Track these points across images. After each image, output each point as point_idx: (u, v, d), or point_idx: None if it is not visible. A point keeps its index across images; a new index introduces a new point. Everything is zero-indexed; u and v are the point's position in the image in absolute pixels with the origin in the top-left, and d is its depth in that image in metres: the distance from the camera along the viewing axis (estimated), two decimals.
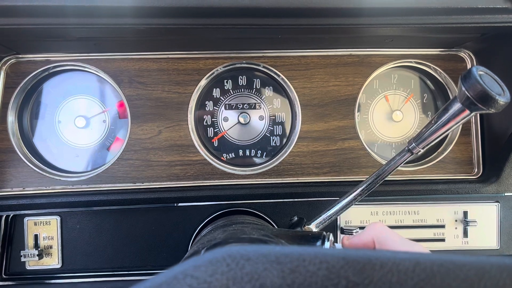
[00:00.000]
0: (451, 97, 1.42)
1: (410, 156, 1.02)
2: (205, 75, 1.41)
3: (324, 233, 0.93)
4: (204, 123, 1.48)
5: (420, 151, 1.00)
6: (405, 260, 0.41)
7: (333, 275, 0.40)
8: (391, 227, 1.38)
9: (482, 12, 1.07)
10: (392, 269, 0.40)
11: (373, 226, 0.96)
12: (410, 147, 1.01)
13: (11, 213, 1.37)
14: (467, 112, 0.87)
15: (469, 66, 1.47)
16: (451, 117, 0.91)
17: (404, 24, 1.11)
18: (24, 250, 1.37)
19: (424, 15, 1.09)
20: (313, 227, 1.10)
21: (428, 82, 1.55)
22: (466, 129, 1.49)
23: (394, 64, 1.47)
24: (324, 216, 1.10)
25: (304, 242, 0.93)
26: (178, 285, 0.40)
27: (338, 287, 0.39)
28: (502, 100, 0.80)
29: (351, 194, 1.08)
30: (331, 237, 0.93)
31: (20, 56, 1.36)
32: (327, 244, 0.90)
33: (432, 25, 1.10)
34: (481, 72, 0.83)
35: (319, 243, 0.90)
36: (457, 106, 0.88)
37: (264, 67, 1.43)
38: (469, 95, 0.81)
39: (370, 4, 1.05)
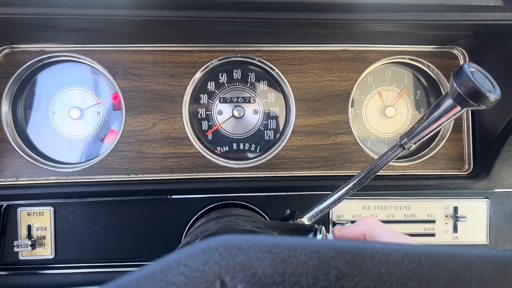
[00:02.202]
0: (443, 94, 1.43)
1: (401, 151, 1.03)
2: (200, 68, 1.41)
3: (316, 225, 0.94)
4: (199, 116, 1.48)
5: (411, 146, 1.01)
6: (394, 251, 0.42)
7: (323, 265, 0.40)
8: (383, 221, 1.39)
9: (475, 9, 1.08)
10: (382, 260, 0.41)
11: (365, 220, 0.96)
12: (402, 142, 1.02)
13: (4, 203, 1.37)
14: (458, 108, 0.88)
15: (461, 63, 1.48)
16: (442, 113, 0.91)
17: (398, 21, 1.11)
18: (17, 240, 1.37)
19: (418, 11, 1.09)
20: (306, 220, 1.11)
21: (421, 78, 1.56)
22: (457, 125, 1.51)
23: (388, 60, 1.48)
24: (316, 209, 1.11)
25: (296, 234, 0.93)
26: (171, 274, 0.40)
27: (328, 277, 0.40)
28: (492, 96, 0.81)
29: (343, 188, 1.09)
30: (323, 229, 0.94)
31: (15, 46, 1.35)
32: (319, 237, 0.91)
33: (425, 22, 1.11)
34: (472, 69, 0.84)
35: (311, 235, 0.91)
36: (448, 102, 0.89)
37: (259, 61, 1.43)
38: (461, 92, 0.82)
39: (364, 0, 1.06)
